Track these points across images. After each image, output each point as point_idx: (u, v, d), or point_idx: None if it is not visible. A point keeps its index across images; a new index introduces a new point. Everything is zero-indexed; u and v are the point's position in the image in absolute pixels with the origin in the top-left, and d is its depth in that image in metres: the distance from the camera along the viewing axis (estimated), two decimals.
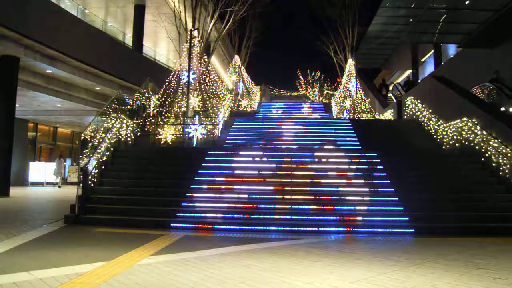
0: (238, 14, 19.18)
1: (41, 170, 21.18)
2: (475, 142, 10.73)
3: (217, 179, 9.80)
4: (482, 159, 10.31)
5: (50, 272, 4.50)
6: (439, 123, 13.25)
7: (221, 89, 18.56)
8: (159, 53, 30.51)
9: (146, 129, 13.77)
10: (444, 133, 12.73)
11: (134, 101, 14.14)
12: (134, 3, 22.21)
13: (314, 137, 14.25)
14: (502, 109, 12.50)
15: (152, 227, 7.79)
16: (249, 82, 29.08)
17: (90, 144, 9.93)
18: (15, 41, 13.15)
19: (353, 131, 14.79)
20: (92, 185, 9.11)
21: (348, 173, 9.94)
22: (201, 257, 5.46)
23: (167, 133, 13.86)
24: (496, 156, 9.76)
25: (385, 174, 9.80)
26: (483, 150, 10.37)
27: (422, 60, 25.86)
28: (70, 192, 15.52)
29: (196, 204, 8.65)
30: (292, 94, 37.46)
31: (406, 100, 16.83)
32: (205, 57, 16.74)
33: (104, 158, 10.02)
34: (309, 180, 9.63)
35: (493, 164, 9.84)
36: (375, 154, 10.82)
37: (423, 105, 14.82)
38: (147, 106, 14.92)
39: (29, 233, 6.90)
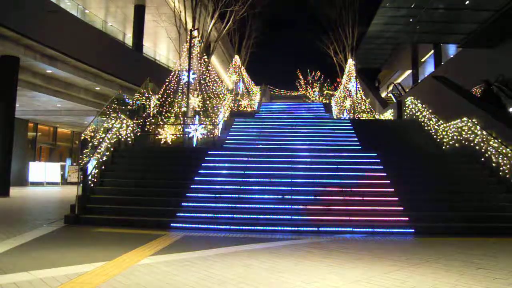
0: (238, 14, 19.17)
1: (41, 170, 21.17)
2: (475, 142, 10.73)
3: (217, 179, 9.81)
4: (482, 159, 10.31)
5: (50, 272, 4.50)
6: (439, 123, 13.25)
7: (221, 89, 18.55)
8: (159, 53, 30.50)
9: (146, 129, 13.77)
10: (444, 133, 12.73)
11: (134, 101, 14.15)
12: (134, 3, 22.20)
13: (314, 137, 14.25)
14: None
15: (152, 227, 7.79)
16: (249, 82, 29.07)
17: (90, 144, 9.94)
18: (15, 41, 13.14)
19: (353, 131, 14.80)
20: (92, 185, 9.11)
21: (348, 173, 9.93)
22: (201, 257, 5.46)
23: (167, 133, 13.86)
24: (496, 156, 9.76)
25: (385, 174, 9.78)
26: (483, 150, 10.37)
27: (422, 60, 25.87)
28: (70, 192, 15.53)
29: (196, 204, 8.64)
30: (292, 94, 37.49)
31: (406, 100, 16.84)
32: (205, 57, 16.73)
33: (104, 158, 10.02)
34: (309, 180, 9.62)
35: (493, 164, 9.84)
36: (375, 154, 10.82)
37: (423, 105, 14.82)
38: (147, 106, 14.92)
39: (29, 233, 6.89)
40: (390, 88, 29.67)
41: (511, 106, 12.41)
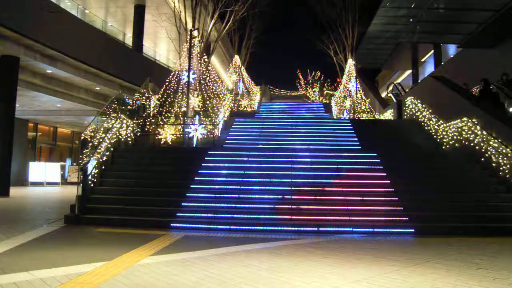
0: (238, 14, 19.17)
1: (41, 170, 21.17)
2: (475, 142, 10.73)
3: (217, 179, 9.81)
4: (482, 159, 10.31)
5: (50, 272, 4.50)
6: (439, 123, 13.25)
7: (221, 89, 18.55)
8: (159, 53, 30.50)
9: (146, 129, 13.77)
10: (444, 133, 12.73)
11: (134, 101, 14.14)
12: (134, 3, 22.20)
13: (314, 137, 14.24)
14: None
15: (152, 227, 7.79)
16: (249, 82, 29.06)
17: (90, 144, 9.94)
18: (15, 41, 13.15)
19: (353, 131, 14.79)
20: (92, 185, 9.11)
21: (348, 173, 9.92)
22: (201, 257, 5.46)
23: (167, 133, 13.86)
24: (496, 156, 9.76)
25: (385, 174, 9.78)
26: (483, 150, 10.37)
27: (422, 60, 25.86)
28: (70, 192, 15.53)
29: (196, 204, 8.65)
30: (292, 94, 37.49)
31: (406, 100, 16.84)
32: (205, 57, 16.73)
33: (104, 158, 10.02)
34: (309, 180, 9.61)
35: (493, 164, 9.84)
36: (375, 154, 10.81)
37: (423, 105, 14.82)
38: (147, 106, 14.93)
39: (29, 233, 6.90)
40: (390, 88, 29.64)
41: (510, 106, 12.42)
